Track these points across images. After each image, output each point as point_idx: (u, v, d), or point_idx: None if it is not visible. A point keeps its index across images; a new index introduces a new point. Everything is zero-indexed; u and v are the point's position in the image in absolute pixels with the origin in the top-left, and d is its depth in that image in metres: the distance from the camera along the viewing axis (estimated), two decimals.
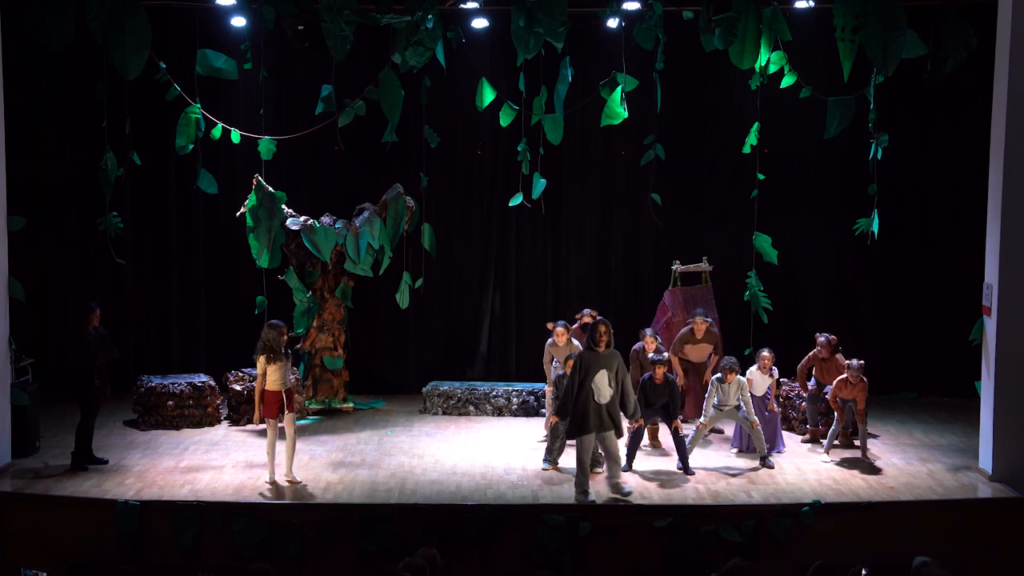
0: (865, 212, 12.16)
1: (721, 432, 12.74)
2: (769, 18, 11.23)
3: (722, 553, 9.92)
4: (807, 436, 12.65)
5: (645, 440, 12.11)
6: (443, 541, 9.86)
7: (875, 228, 12.03)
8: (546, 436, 12.03)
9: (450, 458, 11.99)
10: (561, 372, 11.59)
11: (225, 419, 13.30)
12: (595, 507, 10.44)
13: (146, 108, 13.24)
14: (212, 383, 13.26)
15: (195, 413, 13.03)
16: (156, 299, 14.75)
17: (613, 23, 12.46)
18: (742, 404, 11.72)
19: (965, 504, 10.67)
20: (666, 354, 11.93)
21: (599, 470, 11.43)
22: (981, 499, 10.81)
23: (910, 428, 13.31)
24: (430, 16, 11.25)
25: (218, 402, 13.24)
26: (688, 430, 11.97)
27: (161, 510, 10.33)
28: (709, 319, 12.73)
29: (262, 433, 12.70)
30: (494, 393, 13.92)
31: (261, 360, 10.90)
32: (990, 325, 11.26)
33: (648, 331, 12.51)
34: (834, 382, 11.89)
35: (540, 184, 12.66)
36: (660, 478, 11.30)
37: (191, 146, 12.09)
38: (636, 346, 12.45)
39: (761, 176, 12.38)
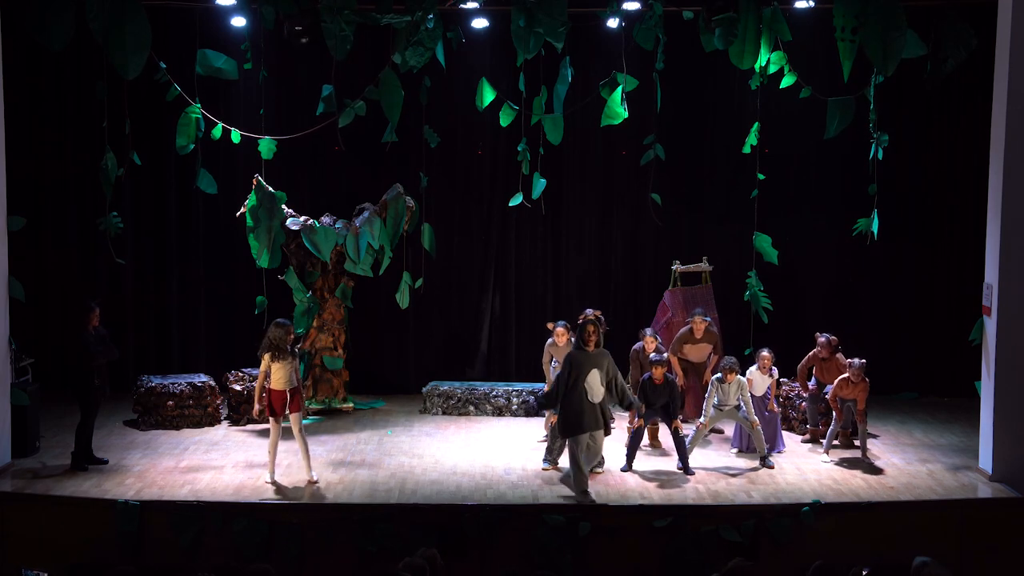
0: (865, 212, 12.16)
1: (721, 432, 12.74)
2: (769, 18, 11.23)
3: (722, 553, 9.93)
4: (807, 436, 12.65)
5: (645, 440, 12.12)
6: (443, 541, 9.87)
7: (875, 228, 12.04)
8: (546, 436, 12.03)
9: (450, 458, 11.99)
10: None
11: (225, 419, 13.30)
12: (595, 507, 10.44)
13: (146, 108, 13.24)
14: (212, 383, 13.26)
15: (195, 413, 13.03)
16: (156, 299, 14.75)
17: (613, 23, 12.46)
18: (742, 404, 11.72)
19: (965, 504, 10.67)
20: (665, 354, 11.93)
21: (599, 470, 11.44)
22: (981, 499, 10.81)
23: (910, 428, 13.31)
24: (430, 16, 11.25)
25: (218, 402, 13.24)
26: (688, 430, 11.97)
27: (161, 510, 10.33)
28: (708, 318, 12.74)
29: (263, 433, 12.71)
30: (494, 393, 13.92)
31: (266, 358, 10.90)
32: (990, 325, 11.26)
33: (648, 331, 12.51)
34: (835, 381, 11.89)
35: (540, 184, 12.66)
36: (660, 478, 11.30)
37: (191, 146, 12.10)
38: (636, 346, 12.45)
39: (761, 176, 12.39)
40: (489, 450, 12.29)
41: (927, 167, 14.67)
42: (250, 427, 12.99)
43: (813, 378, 12.61)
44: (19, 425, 11.59)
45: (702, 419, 11.81)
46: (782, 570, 10.02)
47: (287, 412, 10.95)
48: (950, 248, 14.67)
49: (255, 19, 12.28)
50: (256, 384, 11.08)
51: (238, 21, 12.47)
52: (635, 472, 11.45)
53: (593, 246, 15.13)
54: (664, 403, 11.47)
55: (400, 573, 7.56)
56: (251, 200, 12.54)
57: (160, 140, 13.81)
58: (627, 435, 11.70)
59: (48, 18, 10.63)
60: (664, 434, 12.15)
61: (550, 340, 12.18)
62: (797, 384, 12.96)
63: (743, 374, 11.88)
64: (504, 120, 12.65)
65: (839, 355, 12.38)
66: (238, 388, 13.18)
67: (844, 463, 11.78)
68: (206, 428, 12.98)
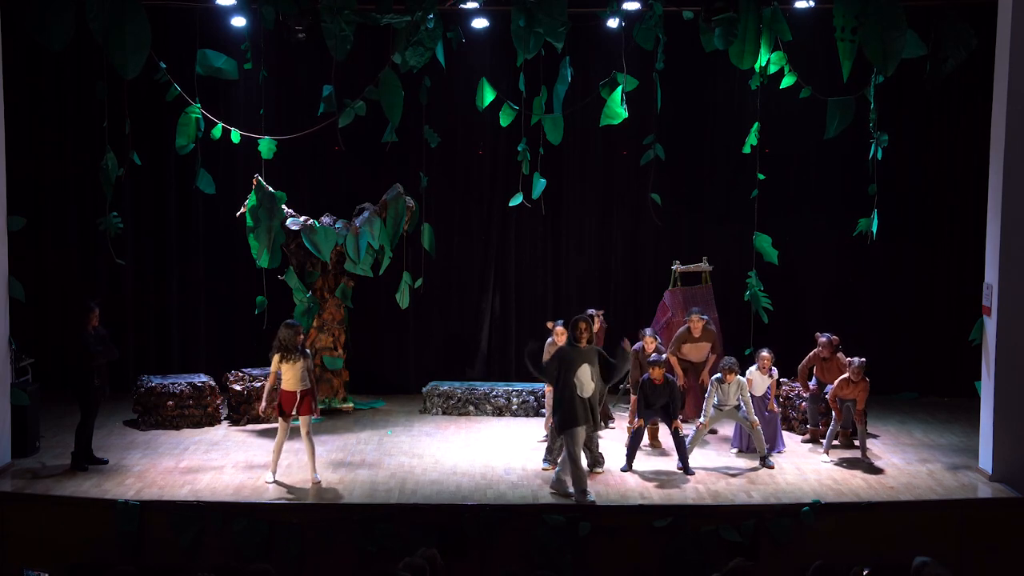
0: (865, 212, 12.17)
1: (715, 432, 12.72)
2: (769, 18, 11.24)
3: (722, 553, 9.93)
4: (807, 436, 12.65)
5: (645, 440, 12.11)
6: (443, 541, 9.87)
7: (875, 228, 12.04)
8: (546, 436, 12.03)
9: (450, 458, 11.99)
10: None
11: (225, 419, 13.30)
12: (595, 507, 10.44)
13: (146, 108, 13.24)
14: (212, 383, 13.26)
15: (195, 413, 13.03)
16: (156, 299, 14.75)
17: (613, 23, 12.46)
18: (742, 404, 11.72)
19: (965, 504, 10.67)
20: (665, 355, 11.93)
21: (599, 470, 11.44)
22: (981, 499, 10.81)
23: (910, 428, 13.31)
24: (430, 16, 11.26)
25: (218, 402, 13.24)
26: (688, 430, 11.97)
27: (161, 510, 10.33)
28: (705, 317, 12.73)
29: (262, 433, 12.73)
30: (494, 393, 13.92)
31: (275, 359, 10.90)
32: (990, 325, 11.26)
33: (648, 331, 12.51)
34: (835, 381, 11.89)
35: (540, 184, 12.66)
36: (660, 478, 11.30)
37: (191, 146, 12.10)
38: (636, 346, 12.45)
39: (761, 176, 12.39)
40: (489, 450, 12.29)
41: (927, 167, 14.67)
42: (250, 427, 13.00)
43: (814, 378, 12.60)
44: (19, 425, 11.59)
45: (702, 419, 11.81)
46: (782, 570, 10.01)
47: (296, 413, 10.94)
48: (950, 248, 14.68)
49: (255, 19, 12.29)
50: (267, 384, 11.08)
51: (238, 21, 12.48)
52: (635, 472, 11.45)
53: (593, 246, 15.13)
54: (664, 403, 11.47)
55: (400, 573, 7.56)
56: (251, 200, 12.55)
57: (160, 140, 13.81)
58: (627, 435, 11.70)
59: (48, 18, 10.63)
60: (664, 434, 12.15)
61: (550, 339, 12.18)
62: (797, 384, 12.96)
63: (743, 374, 11.88)
64: (504, 120, 12.66)
65: (840, 355, 12.38)
66: (238, 388, 13.18)
67: (844, 463, 11.79)
68: (206, 428, 12.97)
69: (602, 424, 12.75)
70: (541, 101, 12.40)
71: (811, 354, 12.54)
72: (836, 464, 11.76)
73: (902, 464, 11.83)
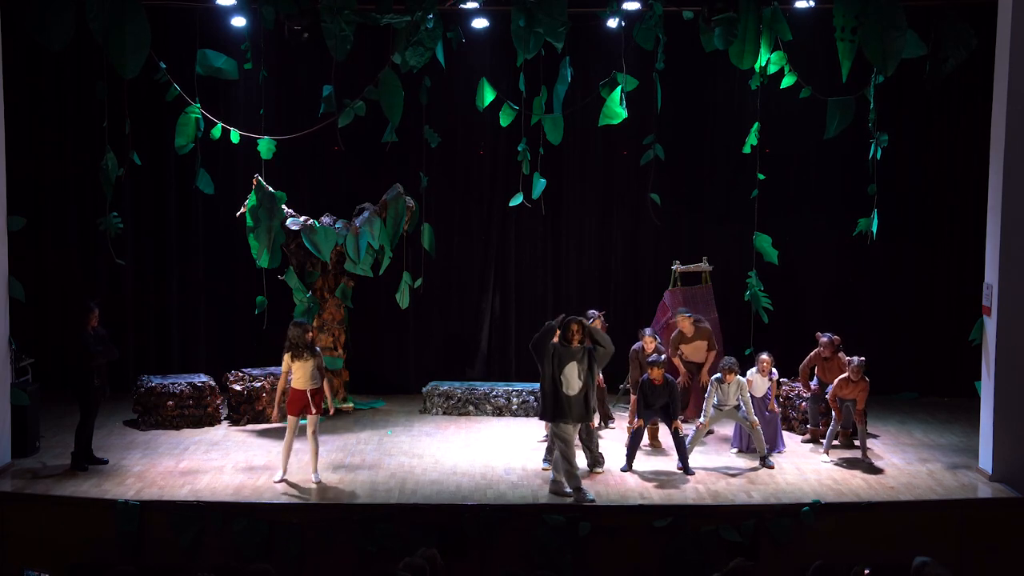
0: (865, 212, 12.17)
1: (712, 432, 12.70)
2: (769, 18, 11.24)
3: (722, 553, 9.93)
4: (807, 436, 12.64)
5: (645, 440, 12.11)
6: (443, 541, 9.87)
7: (875, 228, 12.04)
8: (546, 436, 12.02)
9: (450, 458, 11.99)
10: None
11: (225, 419, 13.30)
12: (595, 507, 10.44)
13: (146, 108, 13.24)
14: (212, 383, 13.25)
15: (195, 413, 13.03)
16: (156, 299, 14.75)
17: (613, 23, 12.46)
18: (741, 404, 11.72)
19: (965, 504, 10.67)
20: (664, 355, 11.92)
21: (599, 470, 11.44)
22: (981, 499, 10.81)
23: (910, 428, 13.31)
24: (430, 16, 11.26)
25: (218, 402, 13.24)
26: (688, 430, 11.97)
27: (161, 510, 10.33)
28: (689, 314, 12.70)
29: (262, 433, 12.73)
30: (494, 393, 13.92)
31: (286, 358, 10.91)
32: (990, 325, 11.26)
33: (648, 331, 12.50)
34: (835, 381, 11.89)
35: (540, 184, 12.67)
36: (660, 478, 11.30)
37: (190, 146, 12.11)
38: (636, 346, 12.45)
39: (761, 176, 12.40)
40: (489, 450, 12.29)
41: (927, 167, 14.67)
42: (250, 427, 13.00)
43: (816, 378, 12.60)
44: (19, 425, 11.59)
45: (702, 419, 11.81)
46: (782, 570, 10.01)
47: (306, 412, 10.94)
48: (950, 248, 14.67)
49: (255, 19, 12.29)
50: (279, 385, 11.09)
51: (238, 21, 12.48)
52: (635, 472, 11.45)
53: (593, 246, 15.13)
54: (664, 404, 11.47)
55: (400, 573, 7.56)
56: (251, 200, 12.55)
57: (160, 140, 13.81)
58: (627, 435, 11.70)
59: (48, 18, 10.63)
60: (664, 434, 12.15)
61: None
62: (797, 384, 12.96)
63: (743, 375, 11.87)
64: (504, 120, 12.66)
65: (841, 354, 12.37)
66: (238, 388, 13.18)
67: (844, 463, 11.78)
68: (206, 428, 12.97)
69: (602, 424, 12.79)
70: (541, 101, 12.40)
71: (812, 354, 12.54)
72: (836, 464, 11.76)
73: (902, 464, 11.83)
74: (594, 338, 10.73)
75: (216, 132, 12.26)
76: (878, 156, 11.93)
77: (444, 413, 13.86)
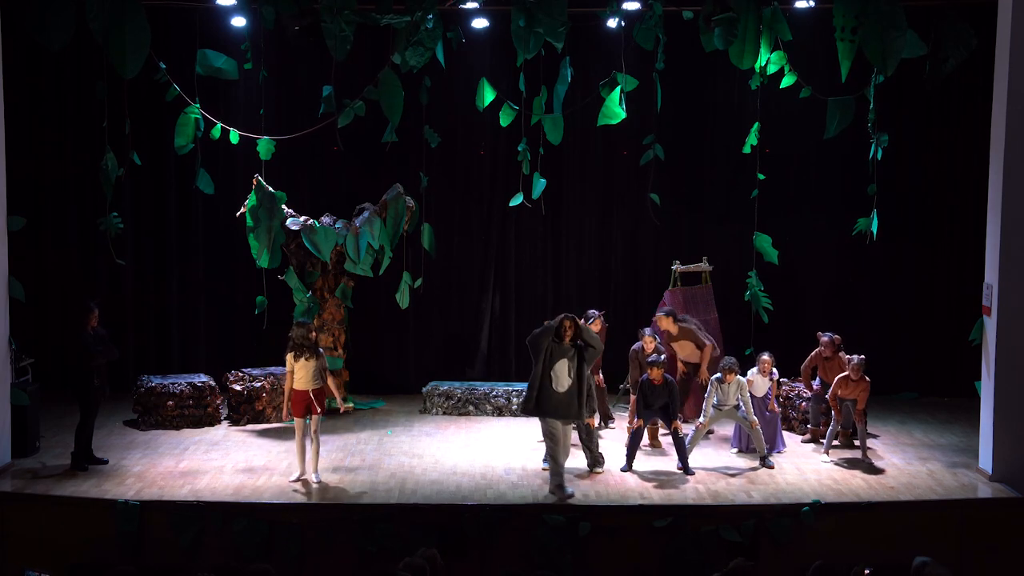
0: (865, 212, 12.17)
1: (713, 432, 12.70)
2: (769, 18, 11.24)
3: (722, 553, 9.93)
4: (807, 436, 12.65)
5: (645, 440, 12.11)
6: (443, 541, 9.87)
7: (874, 228, 12.04)
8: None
9: (450, 458, 11.99)
10: None
11: (225, 419, 13.30)
12: (595, 507, 10.44)
13: (146, 108, 13.24)
14: (212, 383, 13.25)
15: (195, 413, 13.03)
16: (156, 299, 14.75)
17: (613, 23, 12.47)
18: (741, 404, 11.72)
19: (965, 504, 10.67)
20: (664, 356, 11.91)
21: (599, 470, 11.44)
22: (981, 499, 10.81)
23: (910, 428, 13.31)
24: (430, 16, 11.26)
25: (218, 402, 13.24)
26: (688, 430, 11.97)
27: (161, 510, 10.33)
28: (666, 312, 12.61)
29: (262, 433, 12.74)
30: (494, 393, 13.92)
31: (289, 358, 10.91)
32: (990, 325, 11.26)
33: (647, 331, 12.49)
34: (834, 380, 11.88)
35: (540, 184, 12.67)
36: (660, 478, 11.30)
37: (190, 146, 12.11)
38: (635, 346, 12.44)
39: (761, 176, 12.40)
40: (489, 450, 12.29)
41: (927, 167, 14.67)
42: (250, 427, 13.00)
43: (818, 378, 12.59)
44: (19, 425, 11.59)
45: (702, 419, 11.81)
46: (782, 570, 10.02)
47: (309, 412, 10.95)
48: (950, 248, 14.67)
49: (255, 19, 12.29)
50: (285, 386, 11.09)
51: (238, 21, 12.48)
52: (635, 472, 11.45)
53: (593, 246, 15.13)
54: (663, 404, 11.46)
55: (400, 573, 7.56)
56: (251, 200, 12.55)
57: (160, 140, 13.81)
58: (627, 435, 11.70)
59: (48, 18, 10.64)
60: (664, 434, 12.15)
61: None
62: (797, 384, 12.97)
63: (744, 375, 11.88)
64: (504, 120, 12.66)
65: (842, 354, 12.36)
66: (238, 388, 13.17)
67: (844, 463, 11.78)
68: (206, 428, 12.97)
69: (602, 424, 12.78)
70: (541, 101, 12.41)
71: (813, 353, 12.54)
72: (836, 464, 11.76)
73: (902, 464, 11.83)
74: (584, 338, 10.75)
75: (216, 132, 12.26)
76: (878, 156, 11.93)
77: (444, 413, 13.86)
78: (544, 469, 11.51)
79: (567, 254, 15.11)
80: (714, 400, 11.72)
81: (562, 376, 10.62)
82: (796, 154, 14.53)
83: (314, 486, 10.92)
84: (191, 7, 13.00)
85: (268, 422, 13.01)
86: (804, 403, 12.83)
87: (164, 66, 11.92)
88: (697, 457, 11.79)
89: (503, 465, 11.74)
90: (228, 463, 11.66)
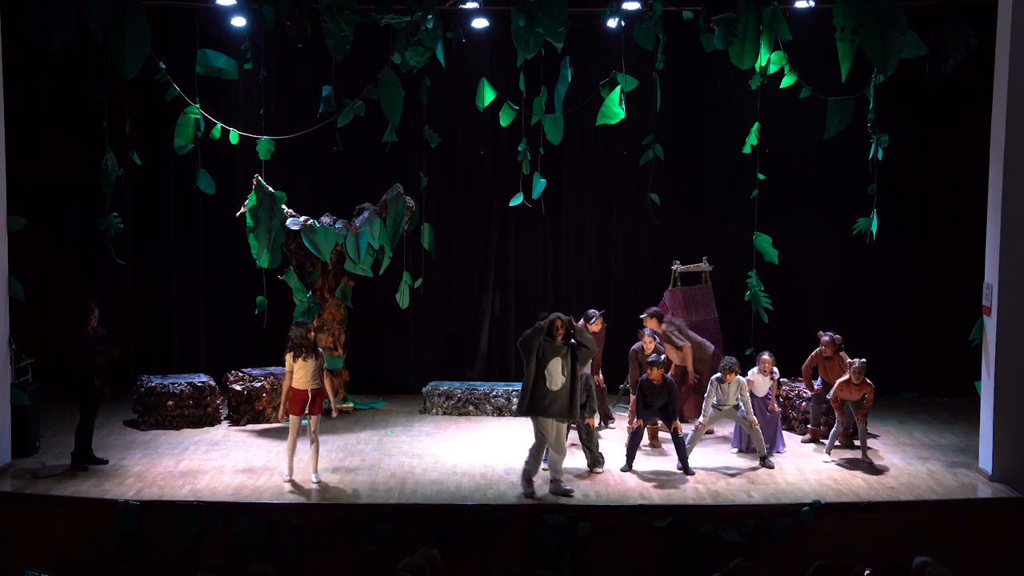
0: (865, 212, 12.17)
1: (713, 432, 12.70)
2: (769, 18, 11.23)
3: (722, 553, 9.93)
4: (807, 436, 12.64)
5: (645, 440, 12.11)
6: (443, 541, 9.87)
7: (874, 228, 12.04)
8: None
9: (450, 458, 11.99)
10: None
11: (225, 419, 13.29)
12: (595, 507, 10.43)
13: (146, 108, 13.24)
14: (212, 383, 13.25)
15: (195, 413, 13.03)
16: (156, 299, 14.75)
17: (613, 23, 12.47)
18: (741, 404, 11.71)
19: (965, 504, 10.67)
20: (663, 356, 11.92)
21: (599, 470, 11.44)
22: (981, 499, 10.81)
23: (910, 428, 13.31)
24: (430, 16, 11.25)
25: (218, 402, 13.24)
26: (687, 430, 11.97)
27: (161, 510, 10.33)
28: (649, 313, 12.62)
29: (262, 433, 12.73)
30: (494, 393, 13.92)
31: (288, 357, 10.90)
32: (990, 325, 11.26)
33: (647, 331, 12.50)
34: (836, 384, 11.85)
35: (540, 184, 12.67)
36: (660, 478, 11.30)
37: (190, 146, 12.11)
38: (635, 346, 12.44)
39: (761, 176, 12.40)
40: (489, 450, 12.28)
41: (927, 167, 14.67)
42: (250, 427, 13.00)
43: (819, 378, 12.58)
44: (19, 425, 11.59)
45: (701, 419, 11.81)
46: (782, 570, 10.02)
47: (308, 412, 10.94)
48: (950, 248, 14.67)
49: (255, 19, 12.29)
50: (283, 385, 11.08)
51: (238, 21, 12.48)
52: (635, 472, 11.45)
53: (593, 246, 15.13)
54: (663, 404, 11.46)
55: (400, 573, 7.56)
56: (251, 200, 12.55)
57: (160, 140, 13.81)
58: (627, 435, 11.70)
59: (48, 18, 10.63)
60: (664, 434, 12.15)
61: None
62: (797, 384, 12.97)
63: (744, 375, 11.87)
64: (504, 120, 12.66)
65: (843, 354, 12.36)
66: (238, 388, 13.17)
67: (844, 463, 11.78)
68: (206, 428, 12.97)
69: (602, 424, 12.78)
70: (541, 101, 12.41)
71: (814, 353, 12.53)
72: (836, 464, 11.75)
73: (902, 464, 11.83)
74: (577, 338, 10.75)
75: (216, 132, 12.26)
76: (878, 156, 11.93)
77: (444, 413, 13.85)
78: (544, 469, 11.51)
79: (567, 254, 15.11)
80: (714, 400, 11.72)
81: (556, 375, 10.63)
82: (796, 154, 14.53)
83: (314, 486, 10.92)
84: (191, 7, 13.00)
85: (268, 422, 13.01)
86: (804, 403, 12.83)
87: (164, 66, 11.92)
88: (697, 457, 11.79)
89: (503, 465, 11.74)
90: (228, 463, 11.66)
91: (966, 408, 13.34)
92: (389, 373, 15.02)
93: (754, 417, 11.69)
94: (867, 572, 7.88)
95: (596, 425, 11.85)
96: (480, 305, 15.06)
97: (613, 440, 12.33)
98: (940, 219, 14.74)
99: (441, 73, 12.95)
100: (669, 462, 11.76)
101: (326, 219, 13.36)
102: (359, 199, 13.69)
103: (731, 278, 13.70)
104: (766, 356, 12.10)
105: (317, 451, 11.06)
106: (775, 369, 12.17)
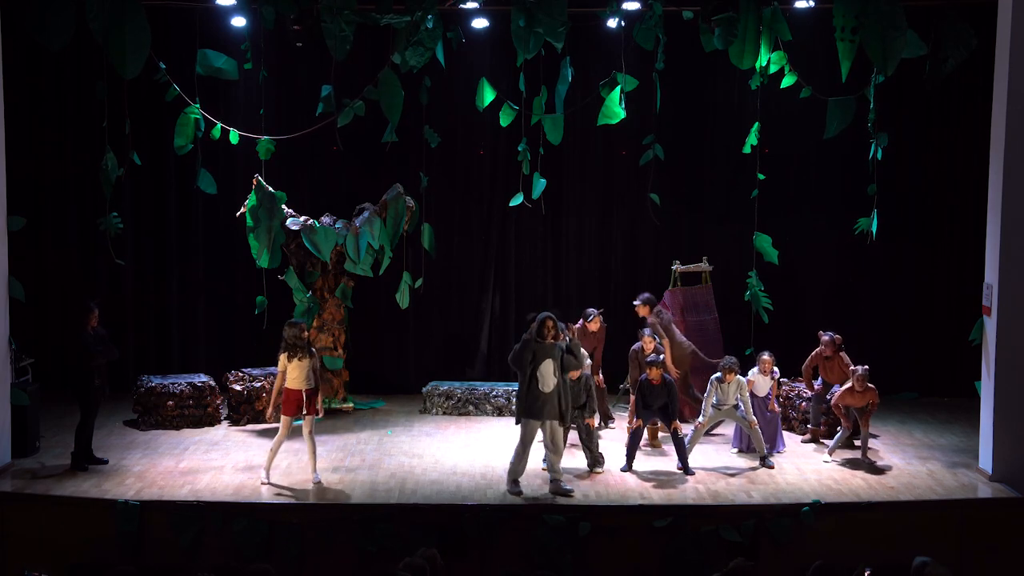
0: (865, 212, 12.17)
1: (713, 432, 12.71)
2: (769, 18, 11.23)
3: (722, 553, 9.93)
4: (807, 436, 12.64)
5: (645, 440, 12.11)
6: (443, 541, 9.87)
7: (874, 228, 12.04)
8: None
9: (450, 458, 11.99)
10: None
11: (225, 419, 13.30)
12: (595, 507, 10.43)
13: (146, 108, 13.24)
14: (212, 383, 13.25)
15: (195, 413, 13.03)
16: (156, 299, 14.75)
17: (613, 23, 12.47)
18: (740, 404, 11.71)
19: (965, 504, 10.67)
20: (663, 356, 11.92)
21: (599, 470, 11.44)
22: (981, 499, 10.81)
23: (910, 428, 13.31)
24: (430, 16, 11.25)
25: (218, 402, 13.24)
26: (687, 430, 11.97)
27: (161, 510, 10.33)
28: (639, 300, 12.65)
29: (262, 433, 12.73)
30: (494, 393, 13.92)
31: (282, 358, 10.89)
32: (990, 325, 11.26)
33: (647, 331, 12.49)
34: (840, 390, 11.80)
35: (540, 184, 12.67)
36: (660, 478, 11.30)
37: (190, 146, 12.11)
38: (635, 346, 12.44)
39: (761, 176, 12.40)
40: (489, 450, 12.28)
41: (927, 167, 14.67)
42: (250, 427, 13.00)
43: (820, 377, 12.57)
44: (19, 425, 11.59)
45: (701, 418, 11.81)
46: (782, 570, 10.01)
47: (301, 412, 10.93)
48: (950, 248, 14.67)
49: (255, 19, 12.29)
50: (275, 385, 11.07)
51: (238, 21, 12.48)
52: (635, 472, 11.45)
53: (593, 246, 15.13)
54: (662, 404, 11.46)
55: (400, 573, 7.56)
56: (251, 200, 12.55)
57: (160, 140, 13.81)
58: (627, 435, 11.70)
59: (48, 18, 10.63)
60: (664, 434, 12.15)
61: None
62: (797, 384, 12.96)
63: (744, 375, 11.87)
64: (504, 120, 12.66)
65: (843, 353, 12.35)
66: (238, 388, 13.18)
67: (844, 463, 11.78)
68: (206, 428, 12.97)
69: (602, 424, 12.78)
70: (541, 101, 12.40)
71: (814, 353, 12.53)
72: (836, 464, 11.75)
73: (902, 464, 11.83)
74: (570, 348, 10.76)
75: (216, 132, 12.26)
76: (878, 156, 11.93)
77: (444, 413, 13.85)
78: (544, 469, 11.51)
79: (567, 254, 15.11)
80: (713, 399, 11.72)
81: (547, 376, 10.63)
82: (796, 154, 14.53)
83: (313, 486, 10.91)
84: (191, 7, 13.00)
85: (268, 422, 13.00)
86: (804, 403, 12.82)
87: (164, 66, 11.91)
88: (697, 457, 11.79)
89: (503, 465, 11.71)
90: (228, 463, 11.66)
91: (966, 408, 13.33)
92: (389, 373, 15.02)
93: (754, 417, 11.69)
94: (867, 572, 7.88)
95: (596, 425, 11.85)
96: (480, 305, 15.06)
97: (613, 440, 12.33)
98: (940, 219, 14.73)
99: (441, 73, 12.94)
100: (669, 462, 11.76)
101: (326, 219, 13.36)
102: (359, 199, 13.69)
103: (731, 278, 13.70)
104: (766, 356, 12.10)
105: (314, 451, 11.05)
106: (775, 369, 12.17)
